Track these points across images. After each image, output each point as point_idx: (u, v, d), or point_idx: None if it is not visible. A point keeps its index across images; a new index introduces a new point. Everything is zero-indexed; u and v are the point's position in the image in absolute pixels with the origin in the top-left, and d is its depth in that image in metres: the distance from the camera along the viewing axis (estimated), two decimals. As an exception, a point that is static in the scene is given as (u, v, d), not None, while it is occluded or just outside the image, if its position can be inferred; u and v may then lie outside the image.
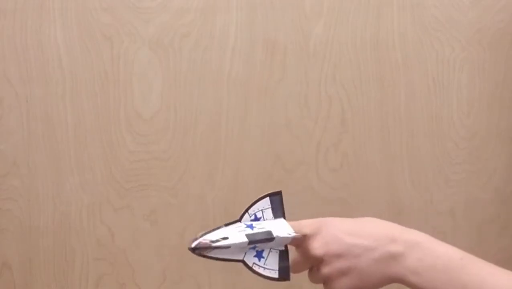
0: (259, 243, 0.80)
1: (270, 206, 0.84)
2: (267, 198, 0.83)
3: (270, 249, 0.81)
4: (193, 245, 0.79)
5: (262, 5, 1.26)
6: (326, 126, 1.30)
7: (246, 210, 0.83)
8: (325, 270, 0.81)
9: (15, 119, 1.22)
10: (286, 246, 0.81)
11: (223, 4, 1.25)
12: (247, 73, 1.26)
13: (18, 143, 1.22)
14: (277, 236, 0.80)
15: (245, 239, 0.79)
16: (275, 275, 0.80)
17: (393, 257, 0.79)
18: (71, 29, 1.21)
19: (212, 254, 0.79)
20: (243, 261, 0.80)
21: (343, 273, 0.80)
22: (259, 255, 0.81)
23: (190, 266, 1.29)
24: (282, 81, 1.28)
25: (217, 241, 0.79)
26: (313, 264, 0.83)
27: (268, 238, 0.80)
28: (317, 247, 0.81)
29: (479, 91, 1.35)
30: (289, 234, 0.81)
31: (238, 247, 0.79)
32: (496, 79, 1.35)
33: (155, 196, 1.26)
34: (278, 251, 0.81)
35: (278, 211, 0.84)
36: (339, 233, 0.81)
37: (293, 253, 0.84)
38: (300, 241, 0.82)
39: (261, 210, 0.83)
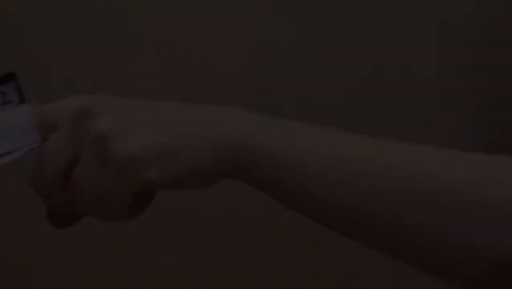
0: None
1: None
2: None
3: None
4: None
5: (262, 5, 1.26)
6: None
7: None
8: (101, 123, 0.50)
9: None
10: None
11: (223, 4, 1.25)
12: (247, 73, 1.26)
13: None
14: None
15: None
16: None
17: (221, 116, 0.49)
18: (72, 29, 1.21)
19: None
20: None
21: (140, 126, 0.49)
22: None
23: (190, 266, 1.29)
24: (282, 81, 1.28)
25: None
26: (69, 123, 0.51)
27: None
28: (75, 98, 0.52)
29: (479, 92, 1.35)
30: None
31: None
32: (497, 79, 1.36)
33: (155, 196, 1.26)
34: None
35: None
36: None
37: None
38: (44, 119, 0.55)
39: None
